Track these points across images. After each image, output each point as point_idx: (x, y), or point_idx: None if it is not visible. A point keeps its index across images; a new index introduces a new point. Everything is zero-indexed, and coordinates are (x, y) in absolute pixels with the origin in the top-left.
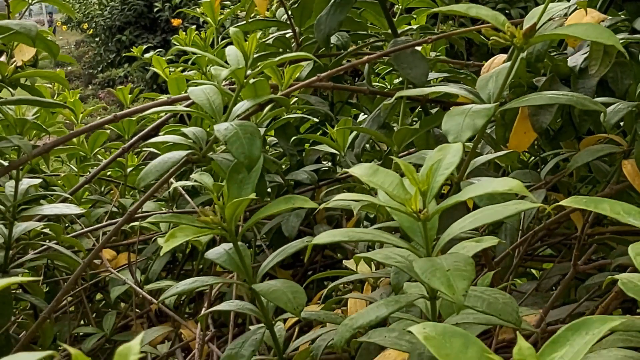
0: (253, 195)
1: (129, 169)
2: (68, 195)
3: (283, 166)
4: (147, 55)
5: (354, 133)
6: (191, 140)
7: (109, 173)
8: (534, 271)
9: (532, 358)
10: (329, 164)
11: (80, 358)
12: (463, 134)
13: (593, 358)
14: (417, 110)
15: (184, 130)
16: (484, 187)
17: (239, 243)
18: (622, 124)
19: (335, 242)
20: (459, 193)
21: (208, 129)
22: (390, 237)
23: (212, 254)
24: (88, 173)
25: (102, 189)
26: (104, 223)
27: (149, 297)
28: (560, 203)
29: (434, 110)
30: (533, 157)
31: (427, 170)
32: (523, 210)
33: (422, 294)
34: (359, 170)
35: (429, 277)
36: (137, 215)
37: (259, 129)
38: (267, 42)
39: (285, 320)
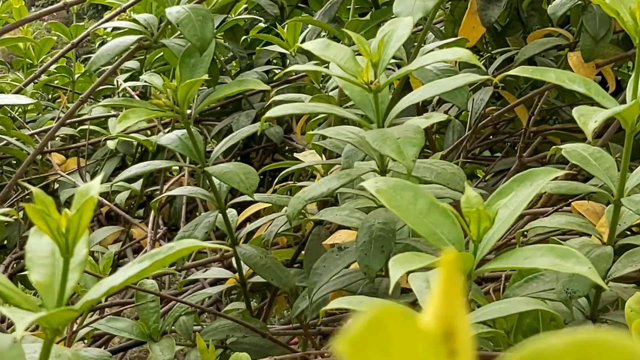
0: (206, 77)
1: (76, 76)
2: (22, 87)
3: (232, 71)
4: None
5: (305, 33)
6: (142, 26)
7: (56, 81)
8: (479, 174)
9: (479, 205)
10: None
11: (40, 195)
12: (414, 15)
13: (537, 223)
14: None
15: (135, 16)
16: (433, 56)
17: (192, 128)
18: (571, 28)
19: (288, 115)
20: (410, 64)
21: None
22: (341, 110)
23: (165, 139)
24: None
25: (50, 96)
26: (52, 125)
27: (100, 198)
28: (509, 73)
29: None
30: (481, 57)
31: (379, 42)
32: (471, 82)
33: (372, 168)
34: (311, 45)
35: (379, 144)
36: (86, 117)
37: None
38: None
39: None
